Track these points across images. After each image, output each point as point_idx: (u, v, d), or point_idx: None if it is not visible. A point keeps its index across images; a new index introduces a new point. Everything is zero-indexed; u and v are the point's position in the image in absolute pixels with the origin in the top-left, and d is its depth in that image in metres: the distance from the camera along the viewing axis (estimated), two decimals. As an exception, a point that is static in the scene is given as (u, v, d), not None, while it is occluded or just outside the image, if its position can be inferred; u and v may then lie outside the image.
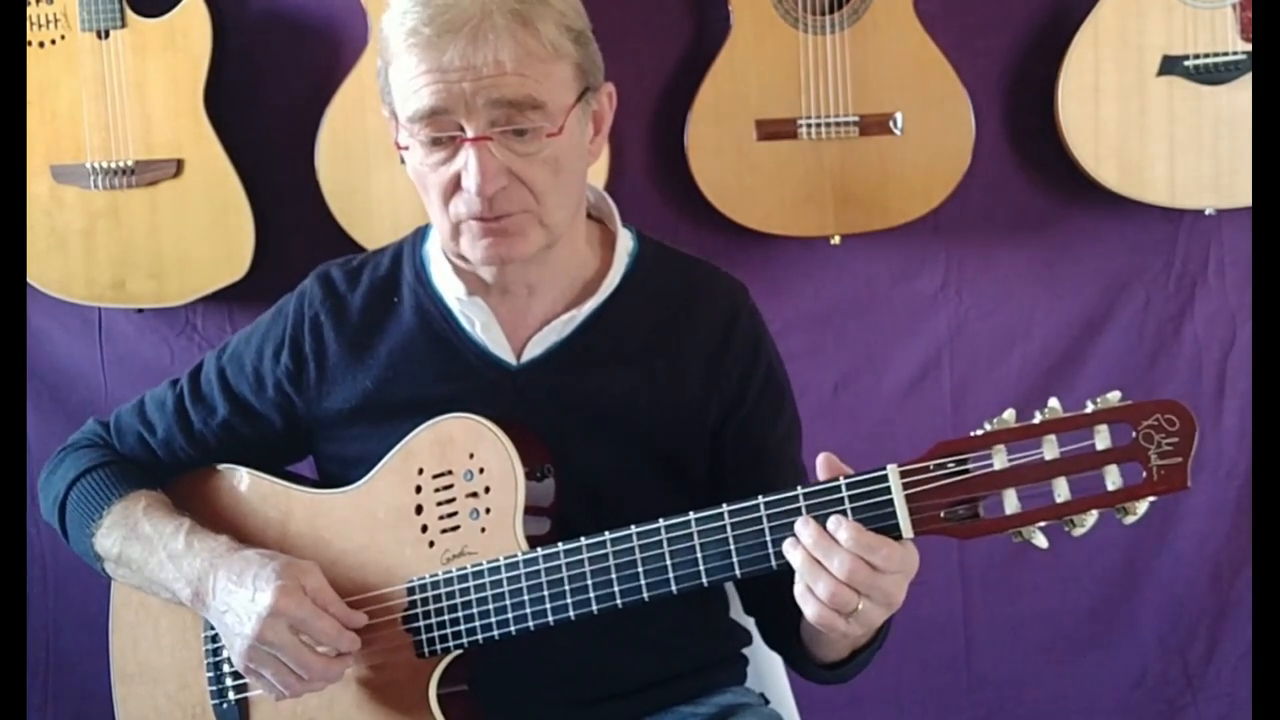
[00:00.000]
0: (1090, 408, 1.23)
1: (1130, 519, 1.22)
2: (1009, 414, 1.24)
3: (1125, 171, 2.41)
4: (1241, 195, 2.40)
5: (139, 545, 1.52)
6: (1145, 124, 2.39)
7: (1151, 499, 1.22)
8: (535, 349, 1.50)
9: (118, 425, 1.65)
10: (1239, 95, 2.36)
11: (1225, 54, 2.36)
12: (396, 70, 1.39)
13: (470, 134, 1.36)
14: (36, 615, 2.64)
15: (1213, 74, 2.36)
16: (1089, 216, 2.56)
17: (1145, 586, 2.63)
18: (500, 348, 1.51)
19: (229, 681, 1.53)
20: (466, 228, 1.42)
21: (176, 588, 1.48)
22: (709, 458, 1.54)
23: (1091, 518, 1.23)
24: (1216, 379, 2.61)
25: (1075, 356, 2.61)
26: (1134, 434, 1.22)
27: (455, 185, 1.40)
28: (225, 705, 1.54)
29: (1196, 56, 2.36)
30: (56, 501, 1.61)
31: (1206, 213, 2.44)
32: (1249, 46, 2.35)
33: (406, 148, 1.42)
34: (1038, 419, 1.23)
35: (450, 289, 1.51)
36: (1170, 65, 2.37)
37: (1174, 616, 2.65)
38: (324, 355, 1.55)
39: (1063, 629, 2.66)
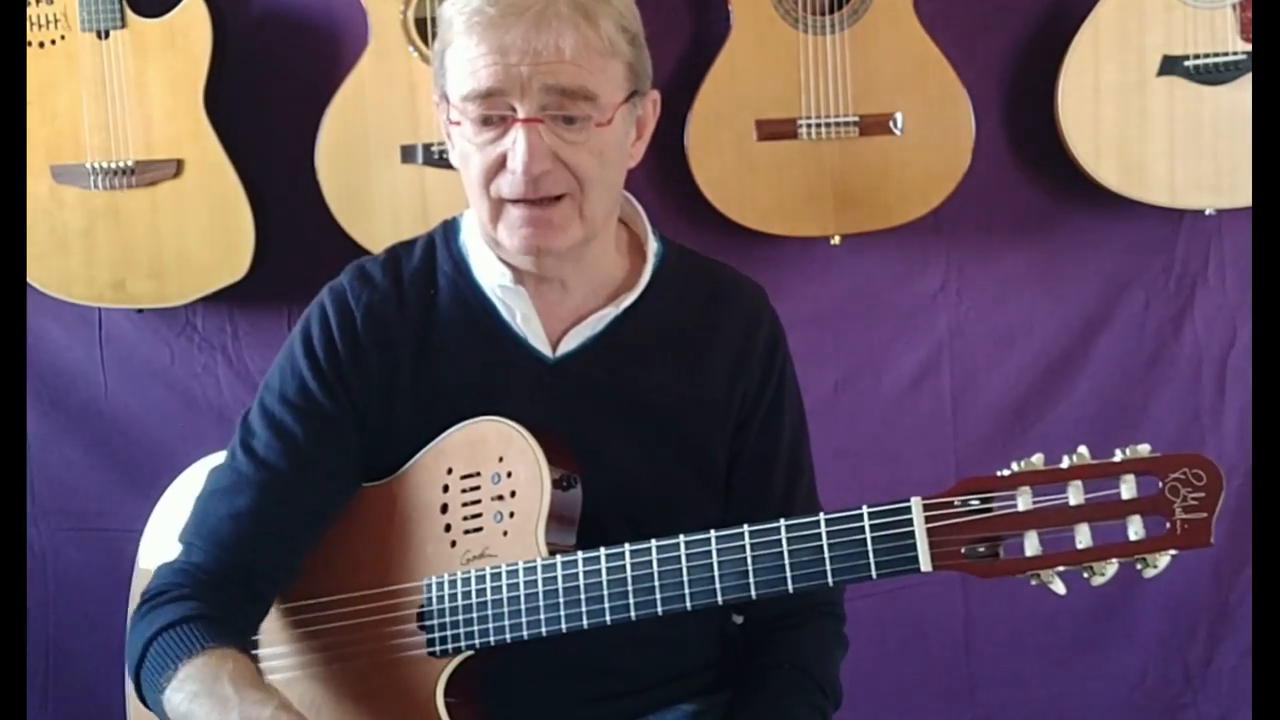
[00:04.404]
0: (1119, 456, 1.24)
1: (1151, 572, 1.23)
2: (1037, 457, 1.26)
3: (1125, 171, 2.41)
4: (1241, 195, 2.40)
5: (209, 703, 1.33)
6: (1145, 124, 2.39)
7: (1173, 552, 1.22)
8: (571, 343, 1.53)
9: (207, 553, 1.49)
10: (1239, 95, 2.36)
11: (1225, 54, 2.36)
12: (454, 52, 1.41)
13: (522, 115, 1.38)
14: (37, 616, 2.64)
15: (1213, 74, 2.36)
16: (1089, 216, 2.56)
17: (1145, 586, 2.62)
18: (538, 340, 1.53)
19: None
20: (506, 213, 1.44)
21: None
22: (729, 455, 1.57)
23: (1112, 567, 1.23)
24: (1216, 379, 2.61)
25: (1075, 356, 2.61)
26: (1160, 485, 1.22)
27: (500, 165, 1.42)
28: None
29: (1196, 56, 2.36)
30: (133, 663, 1.44)
31: (1206, 213, 2.44)
32: (1249, 46, 2.34)
33: (458, 123, 1.43)
34: (1065, 464, 1.24)
35: (493, 278, 1.52)
36: (1170, 65, 2.37)
37: (1174, 616, 2.65)
38: (383, 342, 1.52)
39: (1063, 629, 2.65)
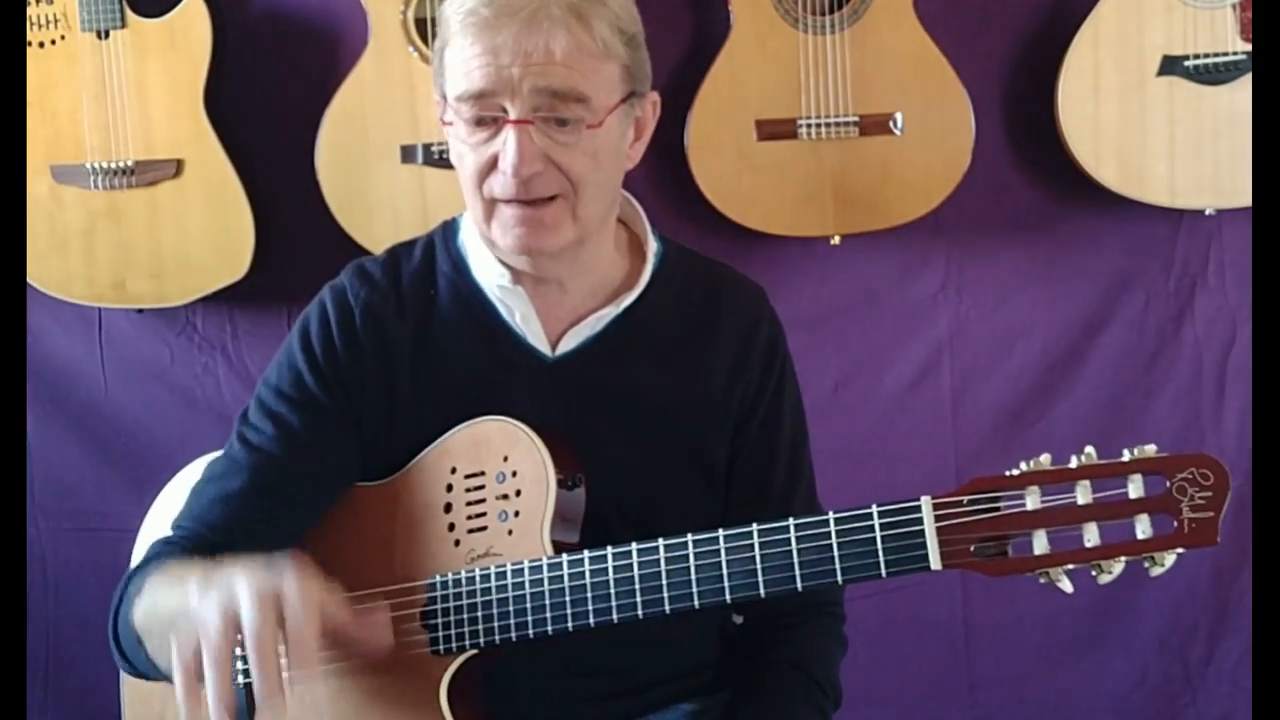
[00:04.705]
0: (1127, 456, 1.24)
1: (1157, 570, 1.24)
2: (1045, 457, 1.26)
3: (1125, 171, 2.41)
4: (1241, 195, 2.40)
5: (168, 588, 1.33)
6: (1145, 124, 2.39)
7: (1180, 551, 1.23)
8: (570, 342, 1.53)
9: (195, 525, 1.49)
10: (1239, 95, 2.36)
11: (1225, 54, 2.36)
12: (451, 52, 1.41)
13: (513, 116, 1.38)
14: (36, 615, 2.64)
15: (1213, 74, 2.36)
16: (1089, 216, 2.56)
17: (1145, 586, 2.63)
18: (538, 339, 1.53)
19: (238, 665, 1.53)
20: (499, 213, 1.44)
21: (188, 586, 1.27)
22: (729, 454, 1.57)
23: (1119, 565, 1.24)
24: (1216, 379, 2.61)
25: (1075, 356, 2.61)
26: (1168, 485, 1.23)
27: (492, 165, 1.42)
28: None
29: (1196, 56, 2.36)
30: (112, 616, 1.45)
31: (1206, 213, 2.44)
32: (1249, 46, 2.35)
33: (451, 123, 1.44)
34: (1074, 463, 1.25)
35: (491, 277, 1.52)
36: (1170, 65, 2.37)
37: (1174, 616, 2.65)
38: (381, 341, 1.52)
39: (1063, 629, 2.66)
